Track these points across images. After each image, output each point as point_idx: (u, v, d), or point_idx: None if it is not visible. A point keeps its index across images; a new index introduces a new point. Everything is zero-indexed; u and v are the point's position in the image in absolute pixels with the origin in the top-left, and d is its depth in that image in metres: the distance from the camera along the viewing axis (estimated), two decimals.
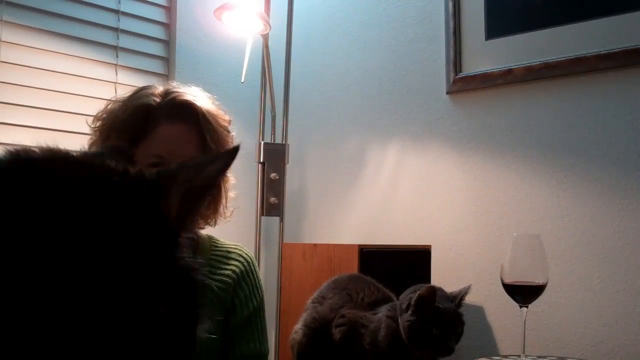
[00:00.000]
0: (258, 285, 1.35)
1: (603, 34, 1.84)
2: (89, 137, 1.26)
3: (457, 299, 1.44)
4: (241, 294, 1.30)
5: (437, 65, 2.19)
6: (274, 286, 2.13)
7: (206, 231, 1.40)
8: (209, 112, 1.24)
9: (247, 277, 1.33)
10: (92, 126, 1.24)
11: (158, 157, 1.16)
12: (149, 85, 1.25)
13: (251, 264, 1.36)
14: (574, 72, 1.89)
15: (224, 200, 1.34)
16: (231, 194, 1.36)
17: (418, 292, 1.41)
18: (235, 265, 1.32)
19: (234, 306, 1.29)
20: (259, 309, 1.34)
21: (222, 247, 1.36)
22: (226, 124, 1.29)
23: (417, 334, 1.40)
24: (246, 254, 1.37)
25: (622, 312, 1.78)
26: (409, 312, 1.41)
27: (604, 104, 1.86)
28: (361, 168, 2.37)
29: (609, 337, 1.79)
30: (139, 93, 1.23)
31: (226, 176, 1.29)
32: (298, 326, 1.62)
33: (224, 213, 1.34)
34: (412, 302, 1.41)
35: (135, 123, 1.19)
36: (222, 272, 1.30)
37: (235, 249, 1.37)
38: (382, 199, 2.30)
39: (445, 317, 1.40)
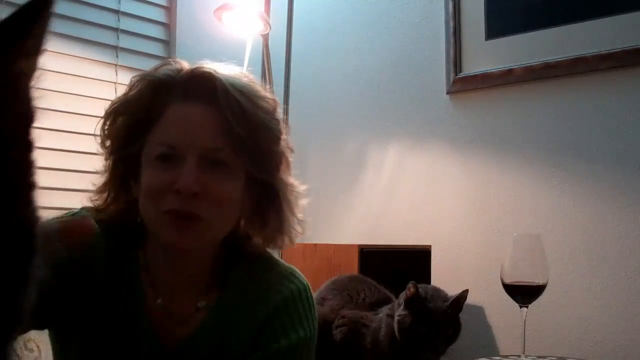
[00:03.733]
0: (297, 322, 0.97)
1: (603, 34, 1.84)
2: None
3: (449, 301, 1.44)
4: (268, 330, 0.96)
5: (437, 65, 2.19)
6: None
7: None
8: (236, 88, 0.93)
9: (282, 311, 0.97)
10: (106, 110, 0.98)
11: (167, 146, 0.90)
12: (173, 59, 0.98)
13: (294, 297, 0.99)
14: (574, 72, 1.89)
15: (289, 210, 1.00)
16: (303, 201, 1.04)
17: (410, 289, 1.43)
18: (272, 299, 0.97)
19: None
20: (291, 350, 0.95)
21: (267, 276, 1.00)
22: (268, 106, 0.97)
23: (405, 331, 1.41)
24: (291, 285, 1.00)
25: (622, 312, 1.78)
26: (401, 308, 1.43)
27: (604, 104, 1.86)
28: (361, 168, 2.36)
29: (609, 337, 1.79)
30: (159, 67, 0.97)
31: (286, 170, 1.00)
32: None
33: (291, 231, 1.01)
34: (404, 299, 1.43)
35: (145, 103, 0.93)
36: (256, 310, 0.97)
37: (280, 280, 1.00)
38: (382, 199, 2.30)
39: (433, 317, 1.40)
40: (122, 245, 0.98)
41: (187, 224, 0.90)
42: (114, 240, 0.97)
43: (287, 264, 1.05)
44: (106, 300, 0.94)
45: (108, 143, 0.97)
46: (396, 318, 1.44)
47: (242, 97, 0.93)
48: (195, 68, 0.95)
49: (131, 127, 0.94)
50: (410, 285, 1.44)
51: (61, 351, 0.98)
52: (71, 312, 0.92)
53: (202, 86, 0.92)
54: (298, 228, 1.03)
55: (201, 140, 0.91)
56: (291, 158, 1.03)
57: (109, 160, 0.97)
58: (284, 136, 1.00)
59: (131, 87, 0.96)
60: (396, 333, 1.43)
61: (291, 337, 0.95)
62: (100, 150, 0.98)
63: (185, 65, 0.96)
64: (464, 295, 1.45)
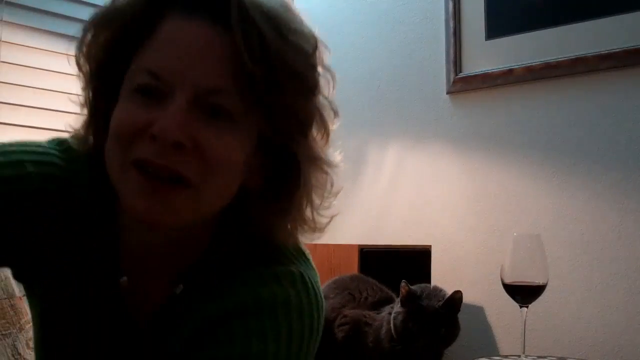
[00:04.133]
0: (251, 334, 0.70)
1: (603, 34, 1.84)
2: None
3: (442, 300, 1.45)
4: (209, 335, 0.72)
5: (437, 65, 2.19)
6: None
7: None
8: (260, 8, 0.67)
9: (232, 319, 0.71)
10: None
11: (151, 74, 0.66)
12: None
13: (256, 310, 0.71)
14: (574, 72, 1.89)
15: (311, 192, 0.76)
16: (337, 187, 0.82)
17: (403, 288, 1.44)
18: (225, 303, 0.72)
19: None
20: None
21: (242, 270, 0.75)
22: (302, 43, 0.72)
23: (397, 328, 1.43)
24: (257, 292, 0.72)
25: (622, 312, 1.78)
26: (398, 306, 1.45)
27: (604, 104, 1.86)
28: (361, 168, 2.36)
29: (609, 337, 1.79)
30: None
31: (319, 138, 0.76)
32: None
33: (315, 218, 0.77)
34: (399, 297, 1.44)
35: (135, 13, 0.69)
36: (208, 309, 0.74)
37: (251, 279, 0.73)
38: (382, 199, 2.30)
39: (424, 315, 1.41)
40: (106, 197, 0.74)
41: (162, 188, 0.64)
42: (97, 189, 0.74)
43: (301, 264, 0.78)
44: (73, 251, 0.74)
45: (87, 68, 0.73)
46: (392, 315, 1.45)
47: (265, 21, 0.66)
48: None
49: (116, 46, 0.69)
50: (402, 284, 1.45)
51: (31, 309, 0.82)
52: (30, 250, 0.73)
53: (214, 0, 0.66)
54: (322, 220, 0.77)
55: (199, 73, 0.65)
56: (333, 125, 0.79)
57: (87, 91, 0.75)
58: (321, 91, 0.75)
59: None
60: (392, 330, 1.44)
61: (251, 345, 0.67)
62: (79, 79, 0.75)
63: None
64: (456, 296, 1.46)
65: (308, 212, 0.75)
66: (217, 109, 0.66)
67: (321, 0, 2.54)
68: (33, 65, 1.95)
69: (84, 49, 0.72)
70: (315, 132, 0.75)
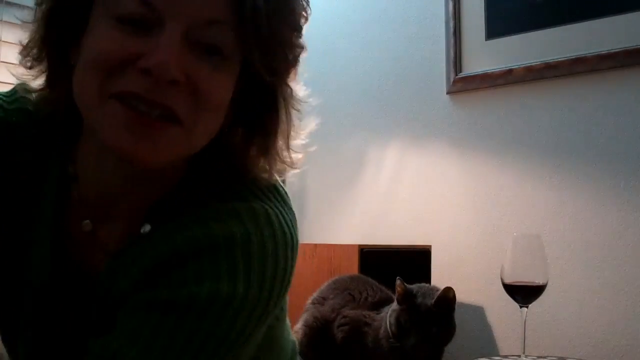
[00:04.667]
0: (220, 273, 0.66)
1: (603, 34, 1.83)
2: None
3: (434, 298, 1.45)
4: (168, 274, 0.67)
5: (437, 65, 2.19)
6: None
7: None
8: None
9: (197, 257, 0.66)
10: None
11: (142, 2, 0.61)
12: None
13: (228, 244, 0.67)
14: (574, 72, 1.89)
15: (288, 129, 0.75)
16: (308, 121, 0.81)
17: (399, 286, 1.45)
18: (190, 238, 0.67)
19: None
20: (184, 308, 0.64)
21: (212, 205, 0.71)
22: None
23: (392, 325, 1.44)
24: (229, 228, 0.67)
25: (623, 312, 1.78)
26: (395, 303, 1.46)
27: (604, 104, 1.86)
28: (361, 168, 2.36)
29: (609, 337, 1.79)
30: None
31: (289, 88, 0.74)
32: (298, 326, 1.63)
33: (290, 154, 0.77)
34: (397, 294, 1.45)
35: None
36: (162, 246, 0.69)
37: (221, 212, 0.69)
38: (382, 199, 2.30)
39: (416, 313, 1.42)
40: (51, 141, 0.70)
41: (154, 124, 0.60)
42: (41, 134, 0.70)
43: (272, 202, 0.74)
44: (15, 198, 0.70)
45: None
46: (388, 313, 1.46)
47: None
48: None
49: None
50: (397, 282, 1.46)
51: None
52: None
53: None
54: (296, 155, 0.78)
55: (196, 3, 0.61)
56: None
57: (39, 13, 0.69)
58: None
59: None
60: (388, 328, 1.45)
61: (202, 287, 0.62)
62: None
63: None
64: (448, 294, 1.45)
65: (284, 148, 0.74)
66: (210, 47, 0.62)
67: (321, 1, 2.54)
68: None
69: None
70: (295, 71, 0.74)
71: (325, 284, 1.71)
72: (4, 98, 0.74)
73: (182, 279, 0.63)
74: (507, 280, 1.43)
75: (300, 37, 0.69)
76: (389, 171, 2.29)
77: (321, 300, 1.65)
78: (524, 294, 1.43)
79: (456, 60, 2.12)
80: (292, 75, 0.73)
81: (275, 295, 0.67)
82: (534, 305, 1.44)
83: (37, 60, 0.72)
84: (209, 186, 0.71)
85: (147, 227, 0.69)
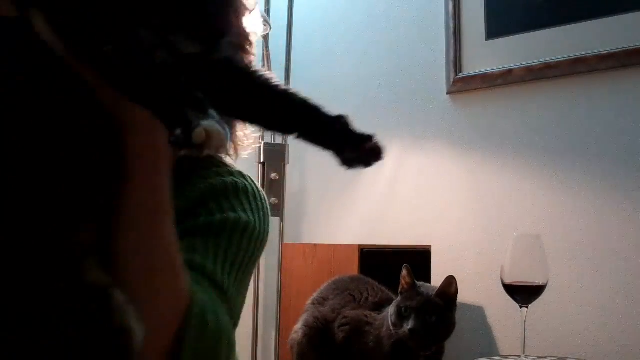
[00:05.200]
0: (249, 207, 0.89)
1: (603, 34, 1.84)
2: None
3: (435, 290, 1.46)
4: (219, 201, 0.87)
5: (437, 66, 2.19)
6: (274, 286, 2.13)
7: None
8: None
9: (231, 193, 0.89)
10: None
11: None
12: None
13: (248, 189, 0.92)
14: (574, 73, 1.89)
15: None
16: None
17: (409, 272, 1.46)
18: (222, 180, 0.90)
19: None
20: (239, 229, 0.85)
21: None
22: None
23: (393, 314, 1.44)
24: (245, 180, 0.93)
25: (622, 312, 1.78)
26: (399, 294, 1.46)
27: (604, 104, 1.86)
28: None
29: (609, 337, 1.79)
30: None
31: None
32: (298, 326, 1.63)
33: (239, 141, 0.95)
34: (402, 279, 1.49)
35: None
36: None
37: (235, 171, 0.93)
38: (382, 199, 2.30)
39: (417, 301, 1.42)
40: None
41: None
42: None
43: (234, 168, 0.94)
44: None
45: None
46: (391, 306, 1.47)
47: None
48: None
49: None
50: (404, 272, 1.47)
51: None
52: None
53: None
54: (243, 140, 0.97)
55: None
56: None
57: None
58: None
59: None
60: (389, 317, 1.45)
61: (239, 213, 0.85)
62: None
63: None
64: (450, 283, 1.45)
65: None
66: None
67: (321, 1, 2.54)
68: None
69: None
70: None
71: (325, 284, 1.71)
72: None
73: (220, 208, 0.85)
74: (507, 280, 1.43)
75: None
76: (389, 171, 2.29)
77: (321, 301, 1.65)
78: (524, 294, 1.43)
79: (456, 60, 2.12)
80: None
81: (267, 229, 0.92)
82: (534, 305, 1.44)
83: None
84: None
85: None
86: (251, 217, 0.87)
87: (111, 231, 0.65)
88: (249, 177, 0.94)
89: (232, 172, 0.91)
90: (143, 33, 0.57)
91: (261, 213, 0.91)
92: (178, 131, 0.56)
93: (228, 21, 0.62)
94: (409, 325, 1.40)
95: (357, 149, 0.66)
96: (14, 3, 0.61)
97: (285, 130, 0.75)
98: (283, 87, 0.69)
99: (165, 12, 0.58)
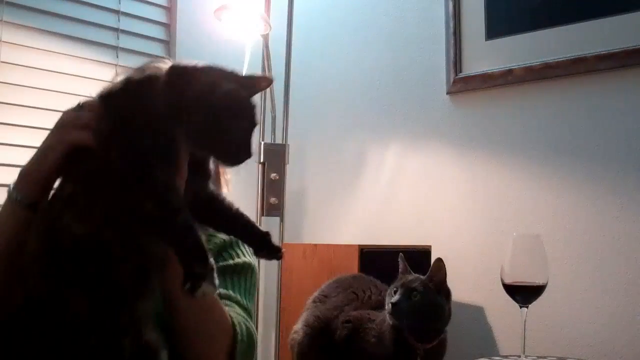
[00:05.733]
0: (247, 253, 1.26)
1: (603, 34, 1.84)
2: None
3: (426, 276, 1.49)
4: (225, 252, 1.23)
5: (437, 66, 2.19)
6: (274, 286, 2.13)
7: None
8: None
9: (234, 244, 1.25)
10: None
11: None
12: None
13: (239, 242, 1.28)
14: (574, 73, 1.89)
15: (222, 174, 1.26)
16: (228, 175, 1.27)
17: (403, 260, 1.53)
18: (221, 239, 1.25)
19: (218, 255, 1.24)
20: (244, 269, 1.24)
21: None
22: None
23: (386, 295, 1.49)
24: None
25: (622, 312, 1.78)
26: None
27: (604, 104, 1.86)
28: (361, 168, 2.37)
29: (609, 338, 1.79)
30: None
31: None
32: (298, 326, 1.62)
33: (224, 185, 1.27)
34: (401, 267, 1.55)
35: None
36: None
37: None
38: (382, 199, 2.30)
39: (405, 280, 1.47)
40: None
41: None
42: None
43: None
44: None
45: None
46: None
47: None
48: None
49: None
50: (400, 262, 1.50)
51: None
52: None
53: None
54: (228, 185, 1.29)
55: None
56: None
57: None
58: None
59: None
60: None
61: (242, 258, 1.23)
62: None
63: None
64: (438, 266, 1.47)
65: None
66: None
67: (321, 1, 2.54)
68: (33, 65, 1.95)
69: None
70: None
71: (327, 282, 1.71)
72: None
73: (232, 254, 1.23)
74: (507, 280, 1.42)
75: None
76: (389, 171, 2.29)
77: (323, 299, 1.65)
78: (524, 294, 1.42)
79: (456, 60, 2.12)
80: None
81: (255, 262, 1.28)
82: (534, 305, 1.44)
83: None
84: None
85: None
86: (249, 258, 1.25)
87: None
88: None
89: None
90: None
91: (251, 253, 1.25)
92: (188, 285, 0.83)
93: (209, 169, 0.99)
94: (394, 299, 1.43)
95: (270, 253, 1.00)
96: None
97: (233, 235, 1.09)
98: (238, 210, 1.02)
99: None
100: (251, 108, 0.92)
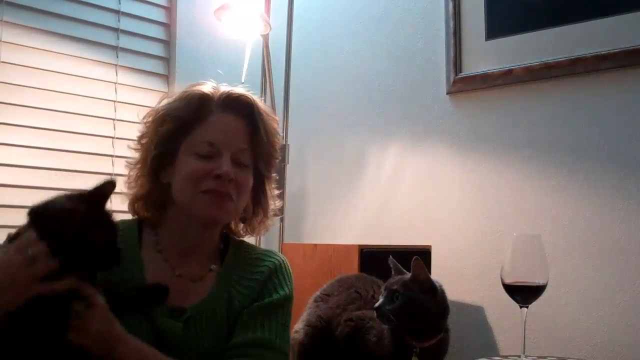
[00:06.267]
0: (284, 283, 1.29)
1: (603, 34, 1.84)
2: (140, 131, 1.29)
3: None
4: (265, 288, 1.26)
5: (437, 66, 2.19)
6: None
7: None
8: (262, 107, 1.30)
9: (274, 275, 1.28)
10: (144, 121, 1.28)
11: (209, 144, 1.21)
12: (205, 81, 1.30)
13: (281, 265, 1.31)
14: (574, 72, 1.89)
15: (271, 198, 1.36)
16: (274, 203, 1.37)
17: (394, 260, 1.55)
18: (266, 267, 1.29)
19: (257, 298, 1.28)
20: (280, 304, 1.26)
21: (254, 252, 1.34)
22: (275, 124, 1.33)
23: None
24: (277, 257, 1.33)
25: (622, 312, 1.78)
26: None
27: (604, 104, 1.86)
28: (361, 168, 2.37)
29: (609, 338, 1.80)
30: (196, 86, 1.28)
31: (269, 177, 1.34)
32: (299, 326, 1.62)
33: (271, 216, 1.37)
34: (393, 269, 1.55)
35: (191, 110, 1.24)
36: (254, 274, 1.28)
37: (267, 253, 1.34)
38: (382, 199, 2.30)
39: (391, 282, 1.47)
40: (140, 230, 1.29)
41: (223, 201, 1.21)
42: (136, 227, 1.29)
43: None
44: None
45: (145, 140, 1.26)
46: None
47: (265, 114, 1.30)
48: (233, 90, 1.28)
49: (176, 130, 1.24)
50: (390, 263, 1.53)
51: None
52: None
53: (240, 104, 1.27)
54: (274, 213, 1.38)
55: (235, 141, 1.24)
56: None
57: (145, 155, 1.25)
58: (278, 144, 1.35)
59: (176, 98, 1.27)
60: None
61: (279, 293, 1.26)
62: (136, 146, 1.27)
63: (217, 85, 1.29)
64: (417, 265, 1.46)
65: (267, 217, 1.37)
66: (239, 162, 1.24)
67: (321, 1, 2.54)
68: (33, 65, 1.96)
69: (150, 132, 1.25)
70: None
71: (329, 282, 1.71)
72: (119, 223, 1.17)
73: (271, 289, 1.27)
74: (507, 280, 1.43)
75: (278, 152, 1.35)
76: (389, 171, 2.29)
77: (325, 298, 1.65)
78: (524, 294, 1.42)
79: (456, 60, 2.12)
80: (273, 169, 1.36)
81: (293, 288, 1.31)
82: (534, 305, 1.44)
83: (138, 179, 1.28)
84: (234, 240, 1.35)
85: (213, 266, 1.28)
86: (287, 290, 1.28)
87: None
88: (274, 251, 1.36)
89: (266, 254, 1.33)
90: None
91: (290, 280, 1.31)
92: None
93: None
94: (377, 300, 1.45)
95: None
96: None
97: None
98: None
99: None
100: (107, 218, 1.07)
